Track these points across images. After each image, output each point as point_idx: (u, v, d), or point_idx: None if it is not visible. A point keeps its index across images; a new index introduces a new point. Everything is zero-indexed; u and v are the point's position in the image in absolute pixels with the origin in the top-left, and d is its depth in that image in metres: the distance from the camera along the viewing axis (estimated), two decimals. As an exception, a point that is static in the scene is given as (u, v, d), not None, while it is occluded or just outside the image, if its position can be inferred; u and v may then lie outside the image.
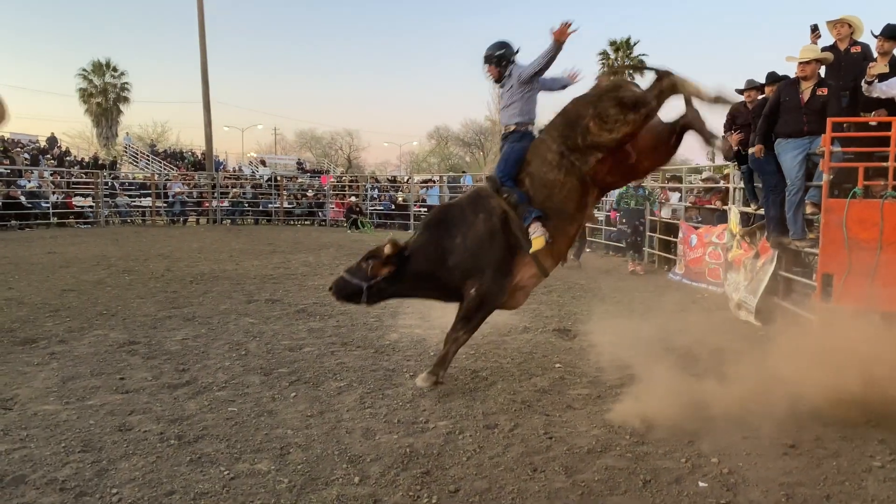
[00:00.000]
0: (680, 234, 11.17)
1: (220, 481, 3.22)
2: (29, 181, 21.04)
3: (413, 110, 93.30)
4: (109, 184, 23.53)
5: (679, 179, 13.76)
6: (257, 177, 28.80)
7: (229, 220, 23.70)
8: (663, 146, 4.88)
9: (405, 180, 29.21)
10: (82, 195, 22.20)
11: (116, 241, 15.86)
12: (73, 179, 23.09)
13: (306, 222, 24.36)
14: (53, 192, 21.51)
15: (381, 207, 23.81)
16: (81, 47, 78.93)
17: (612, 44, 40.46)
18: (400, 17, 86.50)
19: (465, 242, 4.79)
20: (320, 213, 24.44)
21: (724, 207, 10.28)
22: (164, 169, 33.47)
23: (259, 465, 3.42)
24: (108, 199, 22.56)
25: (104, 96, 37.78)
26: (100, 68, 37.72)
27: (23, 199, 19.88)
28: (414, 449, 3.67)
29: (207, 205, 24.26)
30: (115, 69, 38.32)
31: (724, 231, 9.61)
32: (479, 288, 4.75)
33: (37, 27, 74.95)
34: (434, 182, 24.74)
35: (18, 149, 26.65)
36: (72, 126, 40.76)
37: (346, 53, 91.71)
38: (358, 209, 22.15)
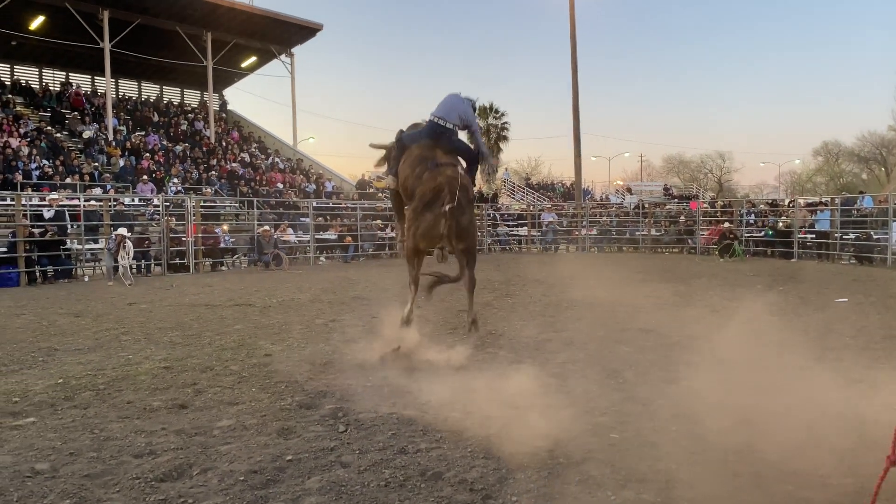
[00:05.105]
0: None
1: (607, 505, 3.32)
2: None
3: (794, 126, 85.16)
4: (491, 215, 26.19)
5: None
6: (624, 204, 29.14)
7: (596, 248, 24.39)
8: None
9: (787, 203, 26.51)
10: (470, 226, 25.28)
11: (498, 267, 17.52)
12: (463, 212, 26.44)
13: (674, 250, 23.79)
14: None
15: (761, 234, 22.00)
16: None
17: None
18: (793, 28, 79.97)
19: None
20: (689, 241, 23.63)
21: None
22: (538, 200, 36.05)
23: (644, 495, 3.43)
24: (490, 228, 25.15)
25: (487, 136, 42.17)
26: (484, 111, 42.27)
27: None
28: (810, 500, 3.32)
29: (577, 233, 25.36)
30: (496, 111, 42.67)
31: None
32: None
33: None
34: (825, 205, 21.77)
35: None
36: (461, 164, 46.71)
37: (716, 75, 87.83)
38: (732, 235, 20.77)
